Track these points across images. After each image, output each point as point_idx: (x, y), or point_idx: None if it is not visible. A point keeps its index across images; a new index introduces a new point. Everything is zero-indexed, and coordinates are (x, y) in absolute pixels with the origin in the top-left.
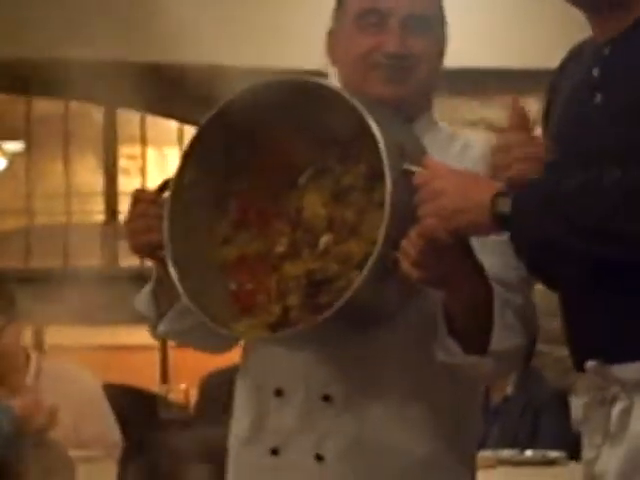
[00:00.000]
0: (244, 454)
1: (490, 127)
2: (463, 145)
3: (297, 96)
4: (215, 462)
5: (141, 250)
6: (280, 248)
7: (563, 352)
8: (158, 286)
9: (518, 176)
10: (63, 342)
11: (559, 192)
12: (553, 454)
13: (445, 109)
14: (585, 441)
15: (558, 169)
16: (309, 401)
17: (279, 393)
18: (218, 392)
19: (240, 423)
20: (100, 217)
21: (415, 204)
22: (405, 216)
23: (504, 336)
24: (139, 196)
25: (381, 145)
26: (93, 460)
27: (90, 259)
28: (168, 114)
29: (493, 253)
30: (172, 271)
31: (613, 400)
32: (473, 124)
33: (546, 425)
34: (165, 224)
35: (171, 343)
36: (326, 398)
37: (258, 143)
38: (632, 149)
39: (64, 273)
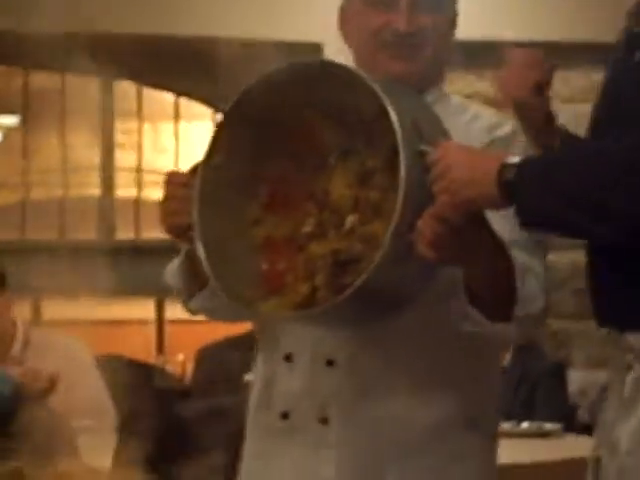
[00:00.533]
0: (258, 417)
1: (486, 101)
2: (472, 116)
3: (318, 79)
4: (213, 430)
5: (172, 231)
6: (307, 228)
7: (560, 325)
8: (187, 263)
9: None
10: (60, 316)
11: (562, 163)
12: (549, 426)
13: None
14: (606, 404)
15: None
16: (314, 365)
17: (289, 358)
18: (214, 364)
19: (255, 387)
20: (96, 191)
21: (430, 183)
22: (422, 196)
23: (527, 302)
24: (171, 178)
25: (396, 126)
26: (91, 430)
27: (86, 233)
28: (165, 87)
29: (510, 217)
30: (200, 252)
31: (628, 368)
32: (469, 98)
33: (542, 397)
34: (194, 206)
35: (167, 317)
36: (330, 363)
37: (286, 127)
38: None
39: (60, 246)
